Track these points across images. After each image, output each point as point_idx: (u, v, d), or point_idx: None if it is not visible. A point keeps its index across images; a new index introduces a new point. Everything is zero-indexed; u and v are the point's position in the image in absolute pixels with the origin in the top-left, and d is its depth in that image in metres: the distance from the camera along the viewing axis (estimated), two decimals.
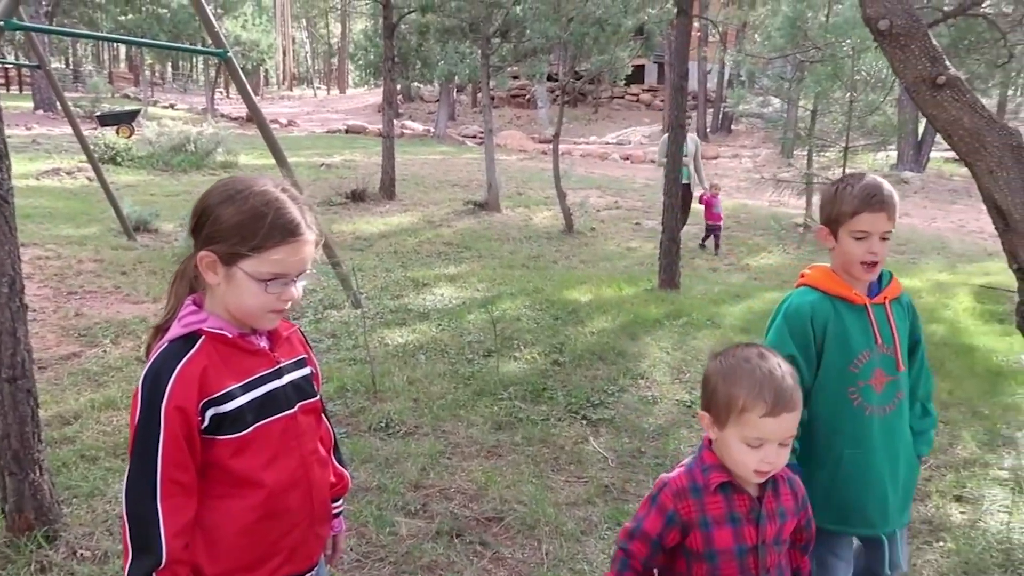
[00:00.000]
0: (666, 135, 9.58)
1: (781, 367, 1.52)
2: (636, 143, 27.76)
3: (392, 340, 5.62)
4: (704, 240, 10.58)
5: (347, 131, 28.69)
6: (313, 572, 1.60)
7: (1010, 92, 21.07)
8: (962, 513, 3.47)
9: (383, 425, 4.08)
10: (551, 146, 12.22)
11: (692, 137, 9.85)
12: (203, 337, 1.43)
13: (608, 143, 27.89)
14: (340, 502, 1.77)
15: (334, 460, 1.73)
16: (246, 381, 1.44)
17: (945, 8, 6.57)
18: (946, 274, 9.22)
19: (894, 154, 22.28)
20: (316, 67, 69.23)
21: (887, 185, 2.06)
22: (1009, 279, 9.51)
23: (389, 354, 5.29)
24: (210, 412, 1.40)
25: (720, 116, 30.64)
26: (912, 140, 21.94)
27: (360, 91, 48.03)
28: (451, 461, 3.74)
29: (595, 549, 3.01)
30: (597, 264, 9.15)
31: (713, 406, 1.54)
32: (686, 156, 9.43)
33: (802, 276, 2.18)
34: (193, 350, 1.41)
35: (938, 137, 21.60)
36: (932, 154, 22.12)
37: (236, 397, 1.42)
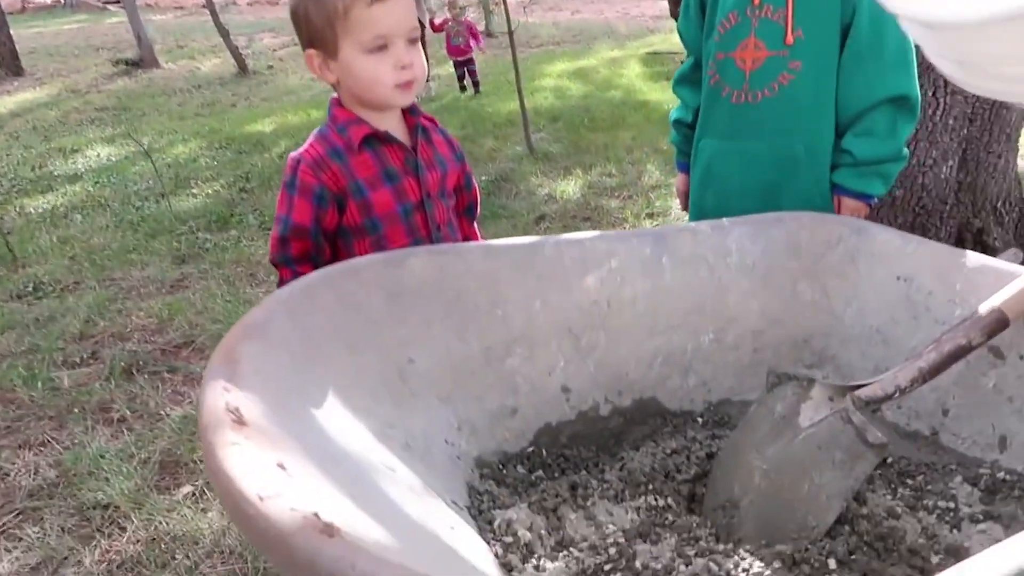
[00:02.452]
0: None
1: None
2: None
3: (35, 208, 4.66)
4: (462, 82, 7.84)
5: None
6: None
7: None
8: (655, 223, 3.68)
9: (30, 290, 3.35)
10: None
11: None
12: None
13: None
14: None
15: None
16: None
17: None
18: (617, 51, 9.69)
19: None
20: None
21: None
22: (669, 46, 10.14)
23: (31, 221, 4.37)
24: None
25: None
26: None
27: None
28: (125, 305, 3.17)
29: None
30: (280, 99, 8.36)
31: (316, 36, 1.22)
32: None
33: None
34: None
35: None
36: None
37: None
